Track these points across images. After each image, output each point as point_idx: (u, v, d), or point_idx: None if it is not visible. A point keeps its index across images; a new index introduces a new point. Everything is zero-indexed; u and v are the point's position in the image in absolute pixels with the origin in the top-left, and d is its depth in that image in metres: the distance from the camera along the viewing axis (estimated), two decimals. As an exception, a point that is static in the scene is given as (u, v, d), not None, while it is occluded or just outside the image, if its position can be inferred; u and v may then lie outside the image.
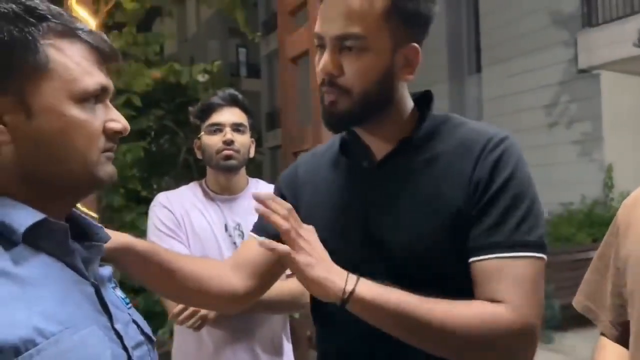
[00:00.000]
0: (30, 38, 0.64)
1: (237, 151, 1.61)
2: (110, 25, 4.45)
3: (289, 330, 1.69)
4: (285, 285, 1.54)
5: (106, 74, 0.72)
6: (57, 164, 0.67)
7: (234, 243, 1.60)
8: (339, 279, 0.87)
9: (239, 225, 1.61)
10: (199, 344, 1.57)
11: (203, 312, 1.44)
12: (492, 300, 0.88)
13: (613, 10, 8.49)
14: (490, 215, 0.90)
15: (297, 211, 1.06)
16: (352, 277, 0.88)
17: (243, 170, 1.68)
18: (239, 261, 1.12)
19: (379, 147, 1.02)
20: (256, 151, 1.75)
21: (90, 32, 0.70)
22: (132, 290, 3.85)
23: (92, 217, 0.88)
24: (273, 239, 1.09)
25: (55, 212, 0.68)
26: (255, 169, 9.86)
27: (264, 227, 1.11)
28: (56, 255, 0.66)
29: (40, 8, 0.67)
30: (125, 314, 0.75)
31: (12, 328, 0.56)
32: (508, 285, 0.87)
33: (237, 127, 1.62)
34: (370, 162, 1.02)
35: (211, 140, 1.61)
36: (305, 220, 1.02)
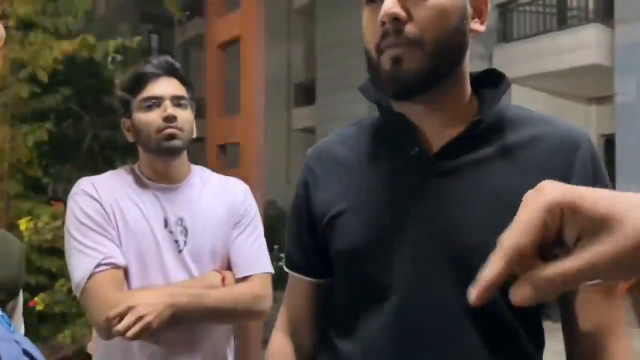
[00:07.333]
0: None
1: (181, 129, 1.33)
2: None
3: (232, 344, 1.46)
4: (237, 291, 1.33)
5: None
6: None
7: (176, 241, 1.33)
8: None
9: (181, 220, 1.35)
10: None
11: (148, 318, 1.16)
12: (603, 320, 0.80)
13: (527, 28, 8.98)
14: None
15: (320, 200, 0.89)
16: None
17: (185, 155, 1.40)
18: (294, 320, 0.98)
19: (436, 132, 0.81)
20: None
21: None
22: (27, 288, 3.43)
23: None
24: (320, 278, 0.93)
25: None
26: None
27: (311, 264, 0.93)
28: None
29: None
30: (12, 343, 0.58)
31: None
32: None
33: (178, 101, 1.34)
34: (422, 150, 0.81)
35: (148, 117, 1.32)
36: (338, 221, 0.85)
